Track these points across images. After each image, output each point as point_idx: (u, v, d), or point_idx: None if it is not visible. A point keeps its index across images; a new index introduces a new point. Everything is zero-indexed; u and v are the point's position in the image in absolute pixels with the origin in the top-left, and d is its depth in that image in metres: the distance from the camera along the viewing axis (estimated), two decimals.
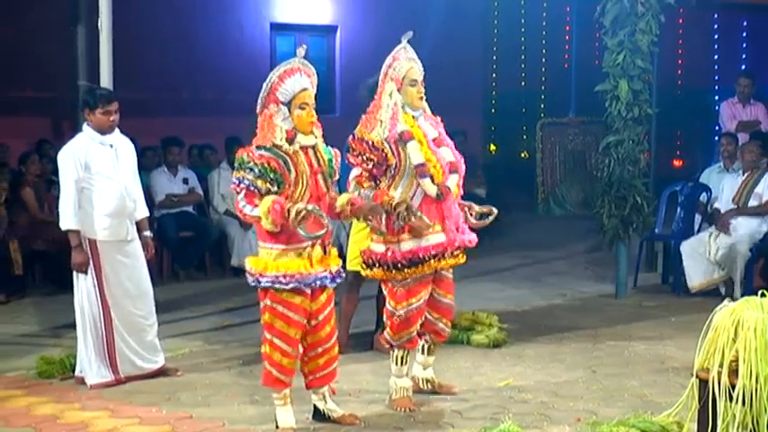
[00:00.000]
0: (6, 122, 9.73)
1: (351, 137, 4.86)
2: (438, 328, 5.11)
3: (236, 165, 4.42)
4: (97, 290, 5.45)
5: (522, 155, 14.61)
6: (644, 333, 6.71)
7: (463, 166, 5.06)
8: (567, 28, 14.27)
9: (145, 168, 8.92)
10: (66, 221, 5.43)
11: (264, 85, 4.45)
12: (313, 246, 4.43)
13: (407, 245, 4.81)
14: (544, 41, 14.57)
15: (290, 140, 4.42)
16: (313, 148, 4.51)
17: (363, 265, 4.98)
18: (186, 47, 11.02)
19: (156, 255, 8.48)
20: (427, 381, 5.26)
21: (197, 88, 11.09)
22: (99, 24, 5.93)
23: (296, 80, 4.47)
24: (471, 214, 5.11)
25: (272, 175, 4.33)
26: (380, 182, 4.83)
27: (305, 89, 4.47)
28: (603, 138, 7.95)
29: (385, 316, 5.01)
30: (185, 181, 9.16)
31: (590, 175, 12.69)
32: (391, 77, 4.88)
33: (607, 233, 7.88)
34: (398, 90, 4.87)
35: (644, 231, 8.11)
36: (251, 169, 4.33)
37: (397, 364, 5.02)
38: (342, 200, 4.63)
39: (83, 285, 5.48)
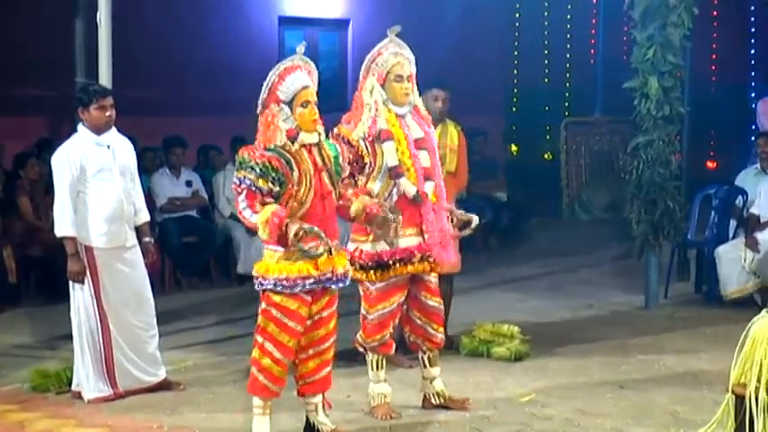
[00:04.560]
0: (1, 122, 9.77)
1: (330, 132, 4.94)
2: (428, 333, 5.16)
3: (236, 164, 4.47)
4: (94, 299, 5.46)
5: (546, 156, 14.58)
6: (676, 346, 6.69)
7: (439, 173, 5.12)
8: (594, 21, 14.23)
9: (146, 170, 8.95)
10: (62, 228, 5.43)
11: (264, 84, 4.52)
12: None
13: (374, 246, 4.90)
14: (569, 36, 14.53)
15: (292, 139, 4.45)
16: (317, 145, 4.54)
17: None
18: (189, 41, 11.04)
19: (158, 262, 8.55)
20: (437, 394, 5.26)
21: (201, 85, 11.11)
22: (98, 18, 5.95)
23: (297, 78, 4.52)
24: (452, 221, 5.14)
25: (273, 175, 4.37)
26: (357, 179, 4.94)
27: (306, 87, 4.54)
28: (632, 138, 7.94)
29: (360, 319, 5.10)
30: (189, 183, 9.19)
31: (618, 178, 12.60)
32: (373, 72, 4.97)
33: (636, 239, 7.87)
34: (382, 85, 4.96)
35: (676, 237, 8.09)
36: (252, 169, 4.37)
37: (373, 368, 5.12)
38: (357, 205, 4.64)
39: (79, 295, 5.49)
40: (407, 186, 4.91)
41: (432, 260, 5.02)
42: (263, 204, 4.34)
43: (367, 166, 4.91)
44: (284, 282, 4.43)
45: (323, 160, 4.55)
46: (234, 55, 11.16)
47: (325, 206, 4.51)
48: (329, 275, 4.52)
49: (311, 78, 4.59)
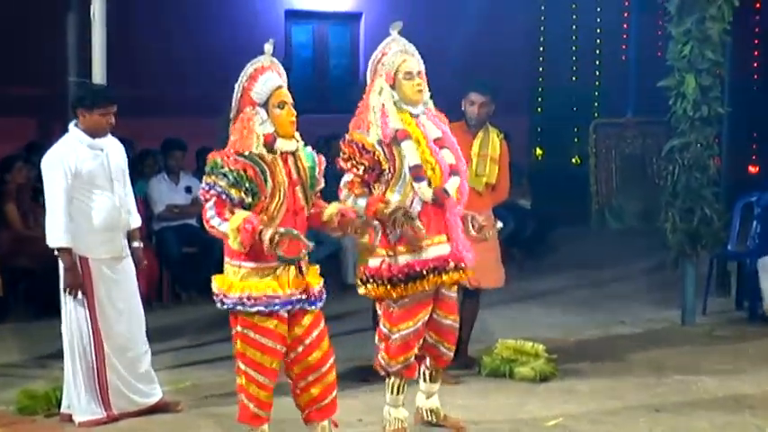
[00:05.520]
0: None
1: (341, 139, 4.93)
2: (439, 351, 5.14)
3: (207, 168, 4.46)
4: (88, 313, 5.47)
5: (574, 160, 14.57)
6: (715, 366, 6.66)
7: (465, 171, 5.10)
8: (626, 14, 14.22)
9: (144, 176, 8.97)
10: (57, 238, 5.40)
11: (236, 88, 4.52)
12: (286, 266, 4.44)
13: (404, 258, 4.87)
14: (599, 30, 14.51)
15: (269, 146, 4.45)
16: (293, 154, 4.53)
17: (358, 282, 5.02)
18: (188, 36, 11.07)
19: (156, 272, 8.54)
20: (431, 411, 5.25)
21: (200, 83, 11.12)
22: (92, 13, 5.97)
23: (268, 78, 4.57)
24: (473, 225, 5.10)
25: (247, 185, 4.37)
26: (374, 188, 4.91)
27: (280, 86, 4.55)
28: (667, 141, 7.91)
29: (377, 338, 5.06)
30: (188, 189, 9.19)
31: (651, 184, 12.61)
32: (380, 73, 4.96)
33: (672, 250, 7.84)
34: (392, 86, 4.95)
35: (714, 248, 8.06)
36: (224, 175, 4.38)
37: (392, 392, 5.08)
38: (330, 210, 4.63)
39: (72, 308, 5.49)
40: (423, 190, 4.86)
41: (463, 267, 4.98)
42: (233, 213, 4.34)
43: (386, 173, 4.87)
44: (246, 300, 4.42)
45: (298, 172, 4.54)
46: (236, 51, 11.03)
47: (296, 222, 4.50)
48: (302, 296, 4.51)
49: (282, 79, 4.60)
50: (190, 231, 9.08)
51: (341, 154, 4.89)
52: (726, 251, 8.47)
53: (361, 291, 5.01)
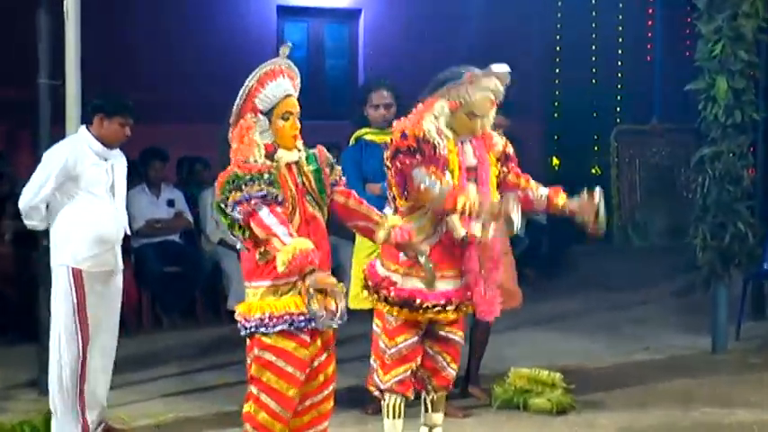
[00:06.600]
0: None
1: (399, 135, 4.87)
2: (438, 365, 5.11)
3: (227, 187, 4.33)
4: (80, 328, 5.53)
5: (593, 171, 14.58)
6: (750, 397, 6.67)
7: (488, 207, 4.99)
8: (651, 11, 14.26)
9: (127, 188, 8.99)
10: (25, 201, 5.55)
11: (241, 90, 4.49)
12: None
13: (409, 282, 4.90)
14: (620, 28, 14.55)
15: (270, 156, 4.45)
16: (296, 163, 4.55)
17: (362, 282, 5.10)
18: (172, 35, 11.09)
19: (134, 295, 8.55)
20: None
21: (184, 86, 11.15)
22: (65, 10, 6.00)
23: (279, 84, 4.51)
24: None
25: (276, 186, 4.36)
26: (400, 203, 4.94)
27: (289, 95, 4.53)
28: (696, 149, 7.93)
29: (373, 357, 5.09)
30: (170, 203, 9.20)
31: (679, 197, 12.64)
32: (449, 97, 4.93)
33: (702, 270, 7.85)
34: (452, 111, 4.93)
35: (749, 267, 8.07)
36: (253, 180, 4.31)
37: (389, 416, 5.09)
38: (393, 221, 4.62)
39: (63, 323, 5.53)
40: (455, 226, 4.85)
41: (467, 306, 4.99)
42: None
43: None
44: (267, 320, 4.43)
45: (303, 181, 4.55)
46: (224, 51, 11.19)
47: (310, 231, 4.50)
48: (322, 312, 4.52)
49: (294, 85, 4.59)
50: (172, 248, 9.09)
51: (394, 157, 4.84)
52: (761, 270, 8.48)
53: (371, 299, 5.06)
